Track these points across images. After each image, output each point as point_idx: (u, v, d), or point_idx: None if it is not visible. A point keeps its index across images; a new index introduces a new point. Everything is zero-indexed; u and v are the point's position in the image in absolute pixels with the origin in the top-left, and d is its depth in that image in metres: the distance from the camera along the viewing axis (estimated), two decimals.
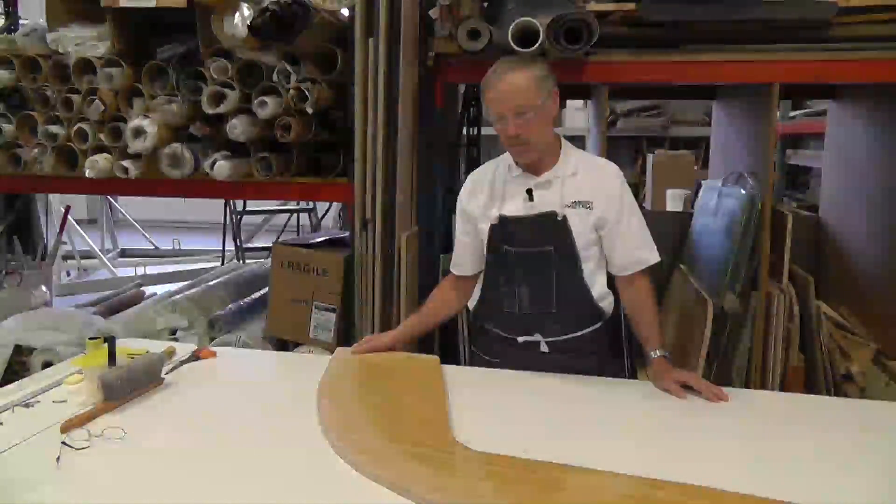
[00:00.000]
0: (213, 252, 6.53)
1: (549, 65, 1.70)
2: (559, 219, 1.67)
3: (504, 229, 1.72)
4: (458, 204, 1.84)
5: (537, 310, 1.74)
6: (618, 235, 1.70)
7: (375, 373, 1.75)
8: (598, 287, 1.75)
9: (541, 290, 1.72)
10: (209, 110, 2.45)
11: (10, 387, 1.64)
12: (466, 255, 1.84)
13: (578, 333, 1.76)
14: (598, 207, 1.68)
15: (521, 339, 1.78)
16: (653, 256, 1.73)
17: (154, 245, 7.45)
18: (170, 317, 2.79)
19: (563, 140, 1.75)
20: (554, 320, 1.75)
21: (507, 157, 1.76)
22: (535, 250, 1.70)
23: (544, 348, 1.76)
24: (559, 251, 1.69)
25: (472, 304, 1.89)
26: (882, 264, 2.54)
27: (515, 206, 1.71)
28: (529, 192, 1.70)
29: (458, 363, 2.10)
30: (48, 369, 1.80)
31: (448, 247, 1.92)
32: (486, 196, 1.76)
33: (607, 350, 1.82)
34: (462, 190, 1.84)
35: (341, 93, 2.50)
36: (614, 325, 1.83)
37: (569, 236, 1.68)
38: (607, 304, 1.78)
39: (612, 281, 1.78)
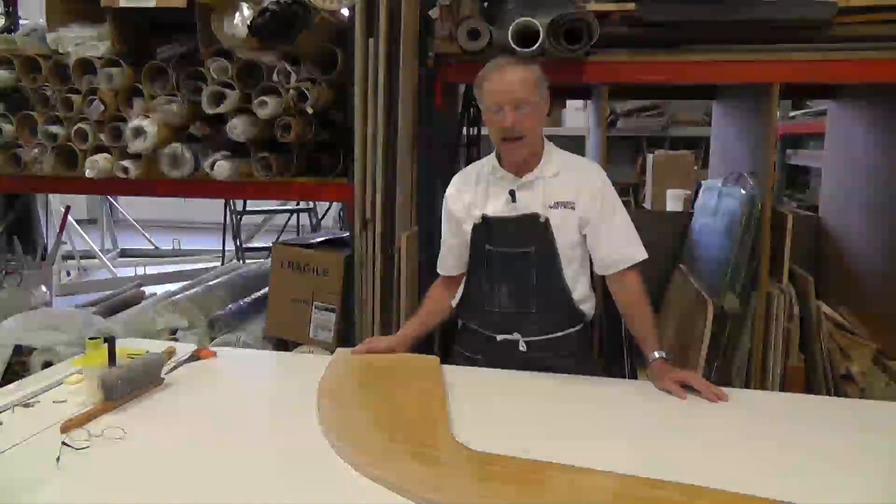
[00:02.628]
0: (213, 252, 6.53)
1: (545, 68, 1.72)
2: (541, 220, 1.69)
3: (487, 229, 1.74)
4: (443, 205, 1.86)
5: (516, 309, 1.76)
6: (601, 234, 1.72)
7: (375, 373, 1.75)
8: (579, 289, 1.76)
9: (520, 289, 1.74)
10: (209, 110, 2.45)
11: (10, 387, 1.64)
12: (451, 255, 1.87)
13: (557, 334, 1.78)
14: (580, 207, 1.70)
15: (499, 337, 1.79)
16: (639, 254, 1.74)
17: (154, 245, 7.45)
18: (170, 317, 2.79)
19: (546, 141, 1.76)
20: (532, 320, 1.76)
21: (490, 158, 1.78)
22: (516, 250, 1.72)
23: (522, 347, 1.78)
24: (540, 252, 1.71)
25: (454, 301, 1.91)
26: (882, 264, 2.54)
27: (498, 207, 1.73)
28: (512, 193, 1.71)
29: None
30: (48, 369, 1.80)
31: None
32: (471, 196, 1.78)
33: (587, 350, 1.85)
34: (448, 191, 1.85)
35: (341, 93, 2.50)
36: (613, 325, 1.83)
37: (550, 237, 1.69)
38: (588, 306, 1.79)
39: (602, 283, 1.80)
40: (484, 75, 1.67)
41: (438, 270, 1.92)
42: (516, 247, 1.72)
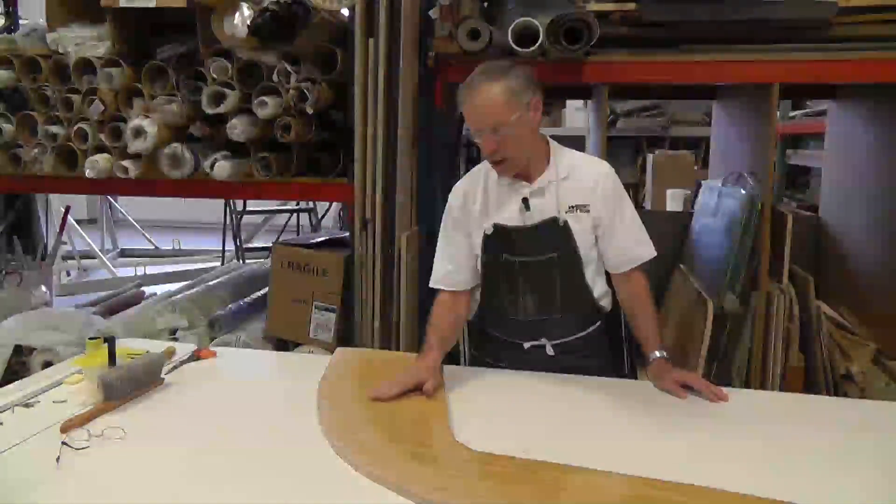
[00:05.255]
0: (213, 252, 6.53)
1: (531, 70, 1.62)
2: (560, 224, 1.65)
3: (502, 238, 1.69)
4: (447, 214, 1.77)
5: (542, 316, 1.73)
6: (613, 233, 1.69)
7: (375, 373, 1.75)
8: (599, 286, 1.74)
9: (545, 296, 1.71)
10: (209, 110, 2.45)
11: (10, 387, 1.64)
12: (463, 268, 1.75)
13: (581, 334, 1.76)
14: (595, 208, 1.67)
15: (527, 344, 1.76)
16: (648, 252, 1.72)
17: (154, 245, 7.45)
18: (170, 317, 2.79)
19: (552, 142, 1.71)
20: (558, 324, 1.74)
21: None
22: (539, 258, 1.68)
23: (550, 351, 1.75)
24: (562, 256, 1.67)
25: (471, 314, 1.85)
26: (882, 264, 2.54)
27: (511, 216, 1.68)
28: (525, 201, 1.66)
29: (457, 364, 2.10)
30: (48, 369, 1.80)
31: None
32: (480, 205, 1.71)
33: (609, 347, 1.82)
34: (452, 200, 1.76)
35: (341, 93, 2.50)
36: (614, 323, 1.82)
37: (571, 241, 1.66)
38: (607, 301, 1.78)
39: (609, 277, 1.78)
40: (460, 95, 1.58)
41: (444, 286, 1.76)
42: (538, 254, 1.68)
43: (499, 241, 1.70)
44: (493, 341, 1.83)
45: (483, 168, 1.76)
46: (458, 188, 1.77)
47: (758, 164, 2.55)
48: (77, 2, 2.57)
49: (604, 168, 1.73)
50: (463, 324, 1.87)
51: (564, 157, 1.70)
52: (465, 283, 1.76)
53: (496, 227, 1.69)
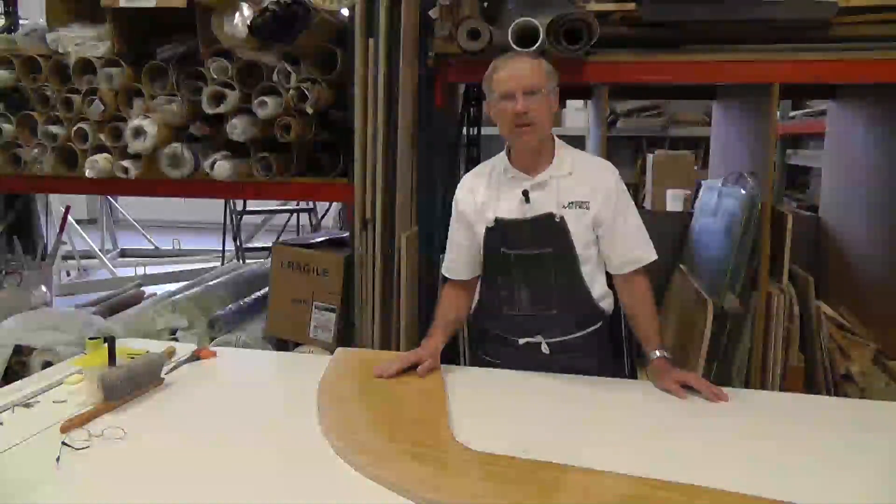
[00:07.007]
0: (213, 252, 6.53)
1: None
2: (557, 220, 1.66)
3: (500, 232, 1.71)
4: (454, 206, 1.82)
5: (537, 312, 1.73)
6: (614, 234, 1.70)
7: None
8: (598, 287, 1.75)
9: (540, 292, 1.72)
10: (209, 110, 2.45)
11: (10, 387, 1.65)
12: (462, 259, 1.81)
13: (579, 334, 1.76)
14: (595, 207, 1.68)
15: (521, 340, 1.77)
16: (650, 255, 1.73)
17: (154, 245, 7.45)
18: (170, 317, 2.79)
19: (557, 140, 1.74)
20: (554, 322, 1.74)
21: (501, 158, 1.75)
22: (533, 252, 1.69)
23: (545, 349, 1.76)
24: (557, 253, 1.68)
25: (472, 307, 1.88)
26: (882, 264, 2.54)
27: (511, 208, 1.70)
28: (525, 193, 1.68)
29: (457, 363, 2.10)
30: (48, 369, 1.80)
31: None
32: (483, 198, 1.74)
33: (608, 349, 1.82)
34: (459, 192, 1.81)
35: (341, 93, 2.50)
36: (614, 324, 1.82)
37: (567, 237, 1.67)
38: (607, 303, 1.78)
39: (610, 279, 1.78)
40: (495, 65, 1.66)
41: (449, 276, 1.86)
42: (533, 248, 1.69)
43: (498, 235, 1.72)
44: (489, 337, 1.84)
45: (490, 162, 1.81)
46: (465, 181, 1.82)
47: (758, 164, 2.55)
48: (77, 2, 2.57)
49: (608, 168, 1.76)
50: (466, 313, 1.89)
51: (569, 155, 1.73)
52: (466, 273, 1.83)
53: (497, 220, 1.71)
